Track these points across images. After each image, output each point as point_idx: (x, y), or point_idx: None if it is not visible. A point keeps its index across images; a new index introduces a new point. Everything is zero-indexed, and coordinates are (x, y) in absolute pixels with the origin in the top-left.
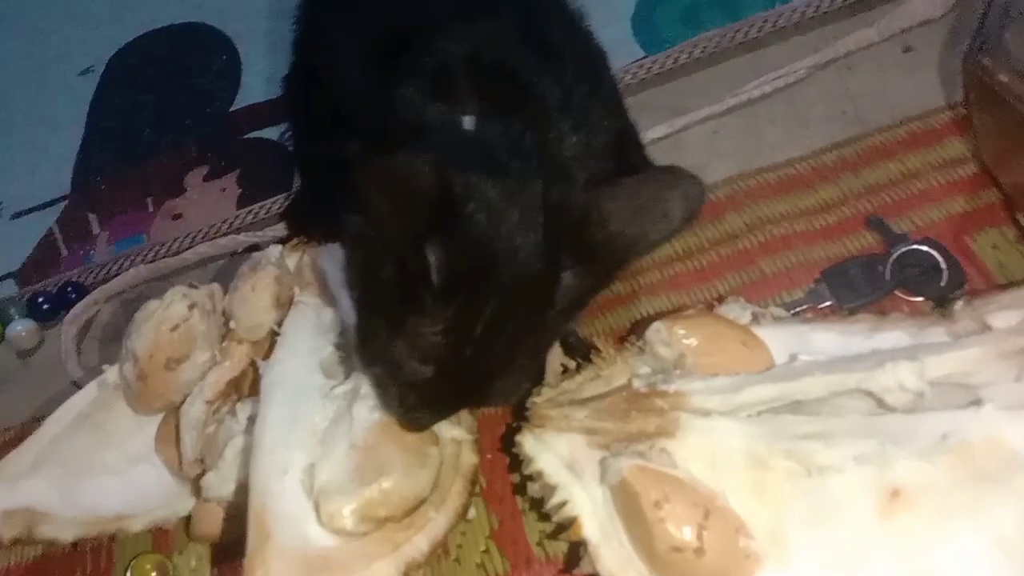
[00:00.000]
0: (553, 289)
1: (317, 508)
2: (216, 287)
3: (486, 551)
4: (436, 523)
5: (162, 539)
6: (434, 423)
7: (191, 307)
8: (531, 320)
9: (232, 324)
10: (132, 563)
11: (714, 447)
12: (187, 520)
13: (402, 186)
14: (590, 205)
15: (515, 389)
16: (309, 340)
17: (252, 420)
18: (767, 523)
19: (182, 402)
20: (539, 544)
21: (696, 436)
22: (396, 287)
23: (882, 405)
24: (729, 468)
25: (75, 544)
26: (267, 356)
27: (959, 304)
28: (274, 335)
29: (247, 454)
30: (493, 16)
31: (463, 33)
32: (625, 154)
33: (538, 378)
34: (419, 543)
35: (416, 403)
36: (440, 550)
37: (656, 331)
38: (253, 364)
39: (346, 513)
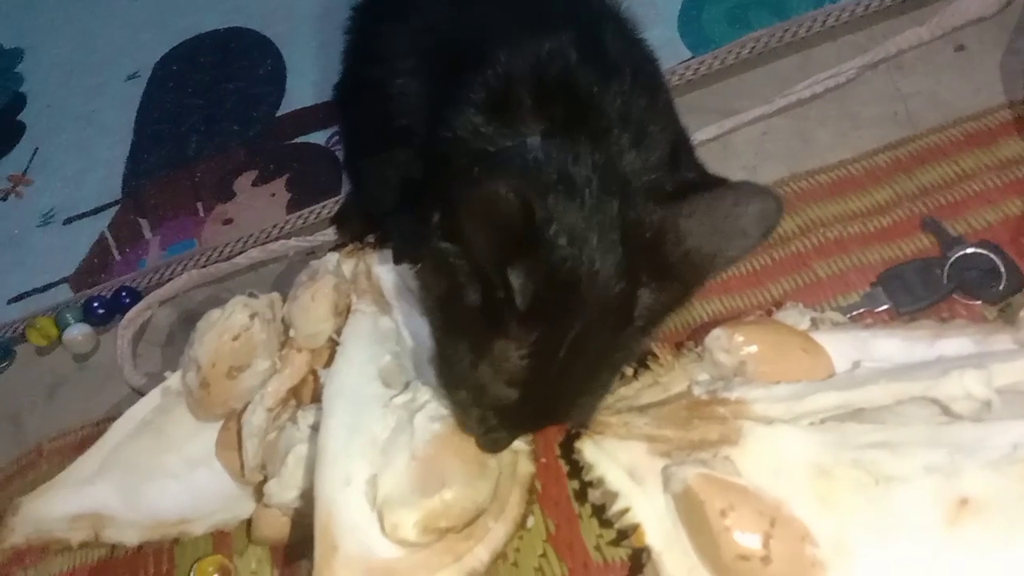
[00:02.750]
0: (631, 307)
1: (380, 519)
2: (276, 296)
3: (543, 555)
4: (496, 533)
5: (222, 541)
6: (511, 442)
7: (252, 316)
8: (612, 339)
9: (291, 332)
10: (195, 565)
11: (778, 456)
12: (247, 523)
13: (491, 212)
14: (666, 223)
15: (592, 407)
16: (367, 349)
17: (313, 428)
18: (832, 532)
19: (243, 409)
20: (596, 548)
21: (759, 444)
22: (481, 312)
23: (948, 413)
24: (793, 477)
25: (139, 547)
26: (327, 364)
27: None
28: (333, 343)
29: (309, 461)
30: (553, 30)
31: (523, 49)
32: (678, 161)
33: None
34: (480, 553)
35: (497, 424)
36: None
37: (716, 338)
38: (312, 372)
39: (409, 524)
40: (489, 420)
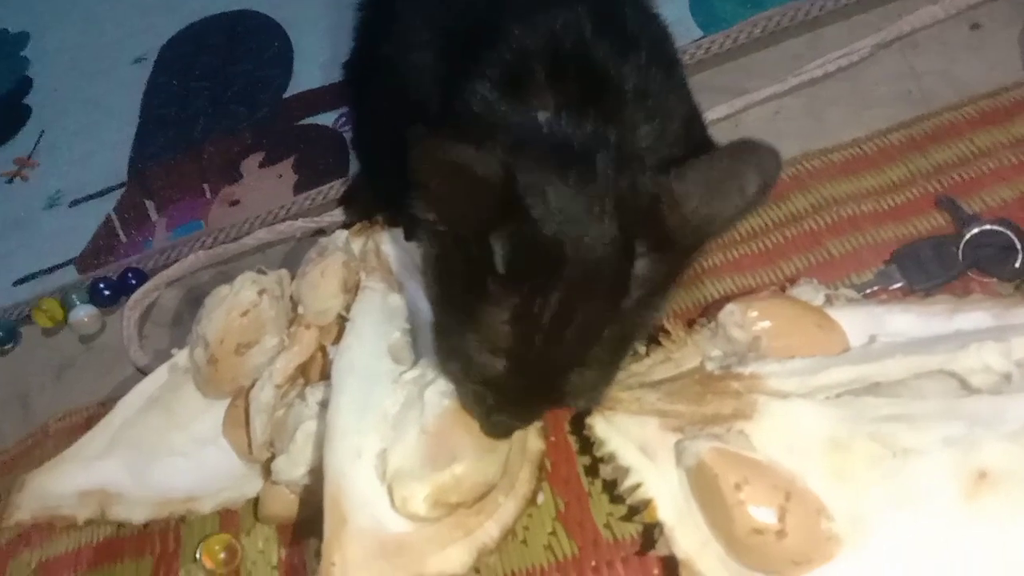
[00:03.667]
0: (626, 277)
1: (391, 493)
2: (284, 273)
3: (553, 533)
4: (506, 509)
5: (229, 520)
6: (516, 428)
7: (260, 293)
8: (604, 309)
9: (300, 309)
10: (202, 544)
11: (793, 429)
12: (255, 502)
13: (463, 172)
14: (662, 189)
15: (595, 385)
16: (377, 326)
17: (322, 405)
18: (847, 506)
19: (251, 386)
20: (606, 526)
21: (774, 419)
22: (465, 278)
23: (966, 387)
24: (809, 450)
25: (145, 525)
26: (335, 341)
27: None
28: (342, 320)
29: (318, 438)
30: (568, 4)
31: (538, 23)
32: (691, 137)
33: None
34: (490, 529)
35: (495, 404)
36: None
37: (730, 313)
38: (321, 349)
39: (419, 498)
40: (487, 399)
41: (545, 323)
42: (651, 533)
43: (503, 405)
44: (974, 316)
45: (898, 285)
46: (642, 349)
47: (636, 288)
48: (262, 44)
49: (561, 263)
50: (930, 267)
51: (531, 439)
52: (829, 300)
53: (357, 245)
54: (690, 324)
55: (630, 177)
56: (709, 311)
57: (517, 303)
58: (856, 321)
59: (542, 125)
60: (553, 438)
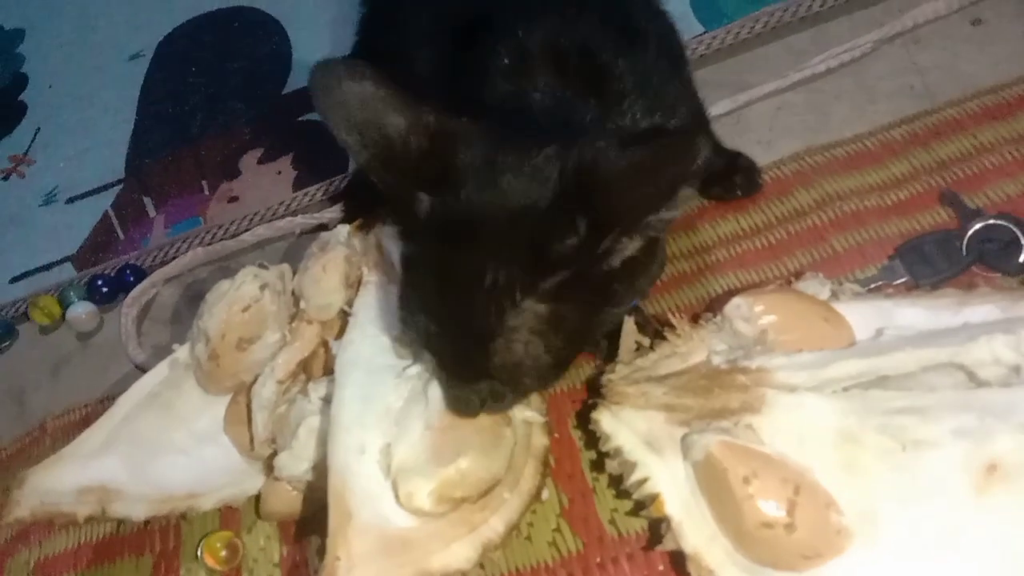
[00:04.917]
0: (553, 252)
1: (395, 488)
2: (286, 267)
3: (557, 529)
4: (511, 504)
5: (230, 517)
6: (473, 402)
7: (262, 288)
8: (519, 278)
9: (302, 304)
10: (203, 542)
11: (802, 423)
12: (256, 499)
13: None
14: (608, 168)
15: (530, 369)
16: (380, 320)
17: (325, 400)
18: (857, 499)
19: (252, 382)
20: (611, 522)
21: (783, 412)
22: (410, 237)
23: (974, 379)
24: (818, 444)
25: (146, 522)
26: (338, 336)
27: None
28: (344, 315)
29: (321, 434)
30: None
31: (545, 16)
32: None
33: (610, 355)
34: (495, 524)
35: (444, 375)
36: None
37: (736, 307)
38: (323, 344)
39: (424, 493)
40: (432, 362)
41: (459, 280)
42: (657, 528)
43: (449, 377)
44: (982, 309)
45: (902, 280)
46: (647, 343)
47: (567, 262)
48: (259, 40)
49: (470, 221)
50: (935, 262)
51: (535, 435)
52: (835, 294)
53: (359, 240)
54: (695, 319)
55: (584, 158)
56: (714, 305)
57: (436, 257)
58: (863, 315)
59: (530, 108)
60: (557, 434)
